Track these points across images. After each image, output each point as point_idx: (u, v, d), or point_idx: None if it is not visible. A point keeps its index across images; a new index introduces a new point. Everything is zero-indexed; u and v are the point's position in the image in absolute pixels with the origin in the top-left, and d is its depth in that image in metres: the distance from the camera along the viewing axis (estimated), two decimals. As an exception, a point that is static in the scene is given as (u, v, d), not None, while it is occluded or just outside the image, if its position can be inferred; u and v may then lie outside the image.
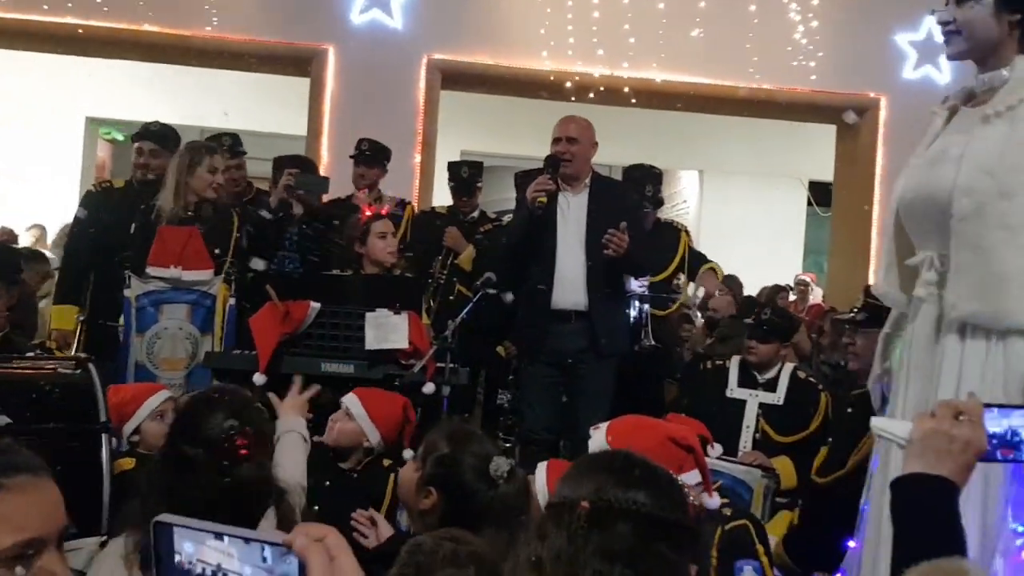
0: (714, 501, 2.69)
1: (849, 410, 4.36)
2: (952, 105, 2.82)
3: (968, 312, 2.54)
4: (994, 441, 1.76)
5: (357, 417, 3.61)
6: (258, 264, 5.07)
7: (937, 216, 2.61)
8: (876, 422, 1.90)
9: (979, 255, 2.53)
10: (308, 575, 1.06)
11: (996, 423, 1.77)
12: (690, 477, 2.57)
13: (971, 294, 2.54)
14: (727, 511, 3.29)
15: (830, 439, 4.50)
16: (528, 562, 1.54)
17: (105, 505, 3.14)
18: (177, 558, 1.10)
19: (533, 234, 4.88)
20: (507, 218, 5.99)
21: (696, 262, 6.31)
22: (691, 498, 1.57)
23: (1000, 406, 1.81)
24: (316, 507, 3.28)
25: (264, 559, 1.07)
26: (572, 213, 4.92)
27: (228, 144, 5.74)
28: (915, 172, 2.75)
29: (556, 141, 4.96)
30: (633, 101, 8.48)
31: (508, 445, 5.05)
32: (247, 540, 1.08)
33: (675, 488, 1.64)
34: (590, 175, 5.04)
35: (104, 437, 3.40)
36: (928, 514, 1.68)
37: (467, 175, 6.17)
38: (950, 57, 2.76)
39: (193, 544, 1.09)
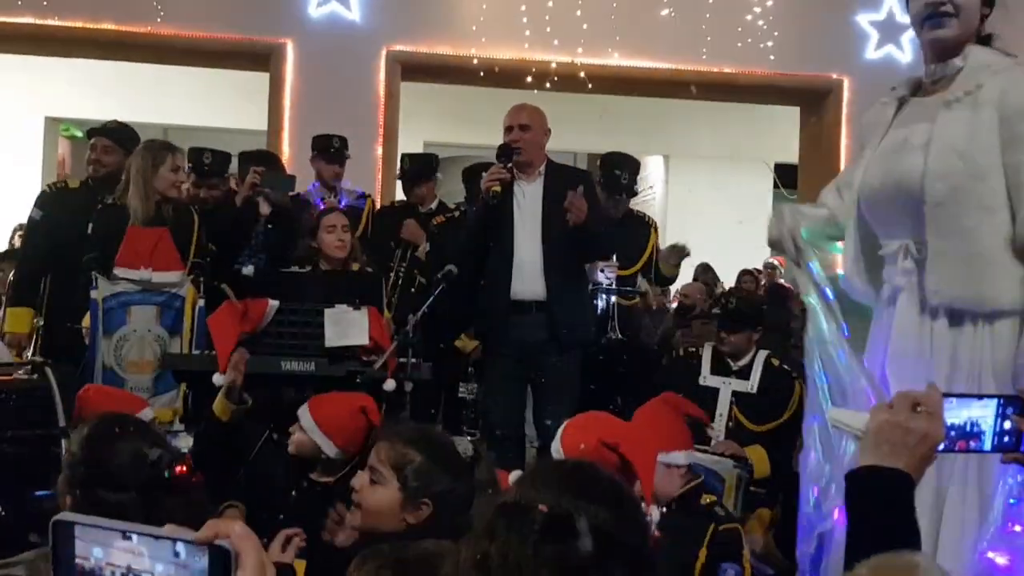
0: (651, 517, 2.67)
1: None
2: (900, 96, 2.81)
3: (951, 297, 2.53)
4: (952, 433, 1.71)
5: (307, 430, 3.44)
6: (248, 269, 5.00)
7: (907, 204, 2.59)
8: (833, 413, 1.87)
9: (958, 238, 2.52)
10: (241, 566, 1.03)
11: (955, 414, 1.71)
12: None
13: (953, 278, 2.52)
14: (720, 511, 3.30)
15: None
16: (473, 560, 1.44)
17: (65, 511, 3.08)
18: (88, 564, 1.07)
19: (490, 225, 4.81)
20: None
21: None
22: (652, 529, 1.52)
23: (960, 396, 1.76)
24: (281, 516, 3.24)
25: (176, 554, 1.04)
26: (528, 202, 4.84)
27: (209, 162, 5.72)
28: (876, 162, 2.73)
29: (508, 130, 4.88)
30: (590, 87, 8.44)
31: (472, 438, 5.01)
32: (156, 537, 1.05)
33: (639, 513, 1.57)
34: (544, 163, 4.96)
35: (64, 442, 3.35)
36: (882, 508, 1.64)
37: (408, 167, 6.13)
38: (940, 41, 2.66)
39: (102, 548, 1.06)
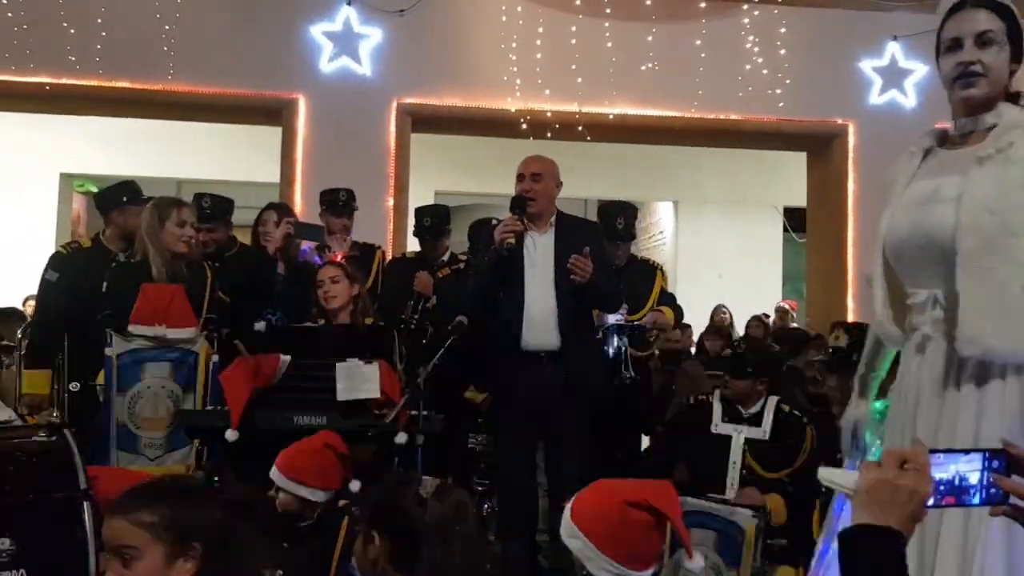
0: (697, 564, 2.64)
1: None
2: (927, 147, 2.85)
3: (988, 347, 2.50)
4: (941, 488, 1.71)
5: (288, 488, 3.53)
6: (260, 325, 5.03)
7: (938, 255, 2.61)
8: (823, 472, 1.87)
9: (992, 288, 2.51)
10: None
11: (943, 469, 1.72)
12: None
13: (990, 328, 2.50)
14: None
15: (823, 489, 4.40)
16: None
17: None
18: None
19: (500, 275, 4.79)
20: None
21: (667, 303, 6.22)
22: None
23: (946, 451, 1.76)
24: (281, 571, 3.26)
25: None
26: (539, 253, 4.82)
27: (208, 206, 5.73)
28: (904, 213, 2.74)
29: (520, 178, 4.88)
30: (589, 138, 8.53)
31: (483, 489, 5.01)
32: None
33: None
34: (555, 214, 4.95)
35: (86, 505, 3.34)
36: (875, 566, 1.64)
37: (430, 225, 6.15)
38: (974, 99, 2.73)
39: None
